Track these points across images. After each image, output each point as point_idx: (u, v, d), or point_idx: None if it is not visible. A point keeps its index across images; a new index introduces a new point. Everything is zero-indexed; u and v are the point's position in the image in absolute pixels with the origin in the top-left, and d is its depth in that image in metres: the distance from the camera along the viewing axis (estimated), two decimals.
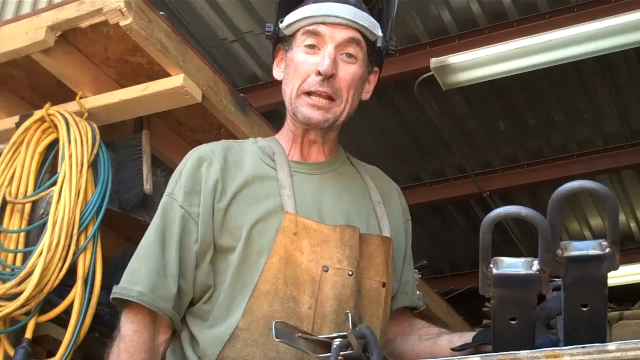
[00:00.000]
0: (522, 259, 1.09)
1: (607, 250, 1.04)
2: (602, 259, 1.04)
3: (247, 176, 1.59)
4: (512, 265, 1.08)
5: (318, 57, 1.59)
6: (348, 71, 1.59)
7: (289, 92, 1.63)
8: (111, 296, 1.52)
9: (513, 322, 1.12)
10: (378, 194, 1.70)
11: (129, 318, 1.51)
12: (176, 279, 1.51)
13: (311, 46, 1.61)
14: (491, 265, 1.08)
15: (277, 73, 1.70)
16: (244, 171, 1.60)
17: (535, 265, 1.07)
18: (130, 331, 1.49)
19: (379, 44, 1.67)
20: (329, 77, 1.57)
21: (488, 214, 1.04)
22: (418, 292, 1.87)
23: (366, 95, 1.70)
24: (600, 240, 1.05)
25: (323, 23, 1.60)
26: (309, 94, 1.59)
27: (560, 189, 1.01)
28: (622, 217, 6.57)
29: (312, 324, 1.44)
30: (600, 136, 5.63)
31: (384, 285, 1.56)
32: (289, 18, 1.65)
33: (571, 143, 5.72)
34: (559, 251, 1.05)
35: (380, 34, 1.66)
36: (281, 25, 1.66)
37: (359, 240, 1.54)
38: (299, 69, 1.61)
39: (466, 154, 5.82)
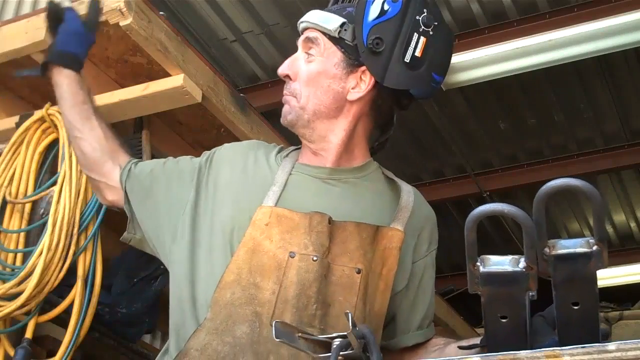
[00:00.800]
0: (509, 257, 1.09)
1: (595, 248, 1.05)
2: (590, 257, 1.04)
3: (250, 172, 1.65)
4: (499, 263, 1.09)
5: None
6: (305, 69, 1.67)
7: None
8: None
9: (504, 320, 1.12)
10: (410, 189, 1.71)
11: None
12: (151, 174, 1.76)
13: None
14: (478, 264, 1.09)
15: None
16: (249, 167, 1.66)
17: (522, 263, 1.08)
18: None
19: (348, 39, 1.63)
20: (285, 78, 1.68)
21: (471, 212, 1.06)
22: None
23: (351, 94, 1.65)
24: (588, 238, 1.06)
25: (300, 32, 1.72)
26: None
27: (544, 187, 1.02)
28: (622, 217, 6.57)
29: (274, 309, 1.47)
30: (600, 136, 5.64)
31: (358, 271, 1.54)
32: None
33: (571, 143, 5.72)
34: (547, 250, 1.06)
35: (331, 27, 1.62)
36: None
37: (334, 227, 1.54)
38: None
39: (466, 154, 5.82)
